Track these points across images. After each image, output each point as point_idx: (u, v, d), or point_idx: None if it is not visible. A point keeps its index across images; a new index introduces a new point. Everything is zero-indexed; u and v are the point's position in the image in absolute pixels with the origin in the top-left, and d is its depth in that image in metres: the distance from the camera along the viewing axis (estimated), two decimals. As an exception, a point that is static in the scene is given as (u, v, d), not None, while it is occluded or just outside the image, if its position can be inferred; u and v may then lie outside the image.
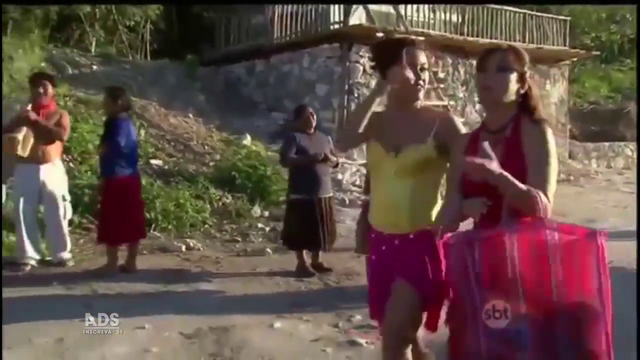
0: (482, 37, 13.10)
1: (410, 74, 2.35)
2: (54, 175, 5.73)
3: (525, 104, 2.18)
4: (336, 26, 11.96)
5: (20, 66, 8.61)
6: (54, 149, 5.74)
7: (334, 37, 11.61)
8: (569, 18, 15.55)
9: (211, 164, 9.29)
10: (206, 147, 9.82)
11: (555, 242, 1.93)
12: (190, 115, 10.49)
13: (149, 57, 14.27)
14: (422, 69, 2.42)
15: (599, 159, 15.46)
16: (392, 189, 2.41)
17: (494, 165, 1.98)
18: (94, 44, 13.73)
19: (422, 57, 2.43)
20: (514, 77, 2.16)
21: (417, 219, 2.39)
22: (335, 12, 12.32)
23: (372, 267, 2.58)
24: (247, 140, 10.42)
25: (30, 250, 5.65)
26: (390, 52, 2.42)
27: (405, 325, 2.37)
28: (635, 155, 15.82)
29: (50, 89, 5.74)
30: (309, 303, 4.88)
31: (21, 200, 5.57)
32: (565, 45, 14.87)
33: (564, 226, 1.97)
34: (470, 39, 12.63)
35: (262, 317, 4.42)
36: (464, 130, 2.46)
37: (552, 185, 2.07)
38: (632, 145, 15.94)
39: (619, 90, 19.04)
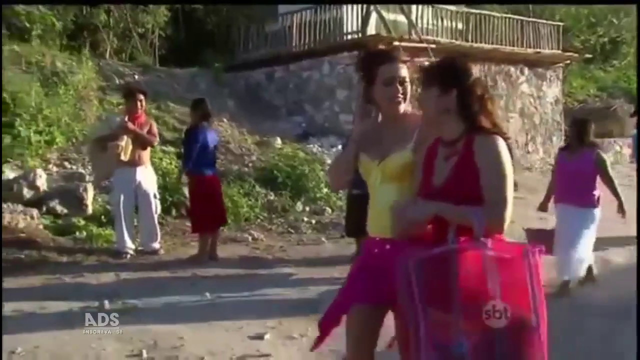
0: (486, 43, 14.14)
1: (386, 94, 2.43)
2: (147, 176, 6.64)
3: (470, 117, 2.17)
4: (354, 35, 12.88)
5: (78, 79, 9.45)
6: (146, 154, 6.65)
7: (353, 45, 12.55)
8: (561, 23, 16.67)
9: (250, 164, 10.19)
10: (243, 149, 10.71)
11: (492, 261, 1.99)
12: (225, 120, 11.37)
13: (157, 63, 15.12)
14: (402, 83, 2.44)
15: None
16: (380, 196, 2.46)
17: (426, 208, 2.13)
18: (108, 50, 14.50)
19: (402, 71, 2.44)
20: (432, 94, 2.20)
21: None
22: (350, 21, 13.27)
23: (358, 267, 2.56)
24: (278, 142, 11.34)
25: (129, 241, 6.55)
26: (370, 69, 2.46)
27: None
28: (623, 151, 17.01)
29: (144, 102, 6.65)
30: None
31: (122, 198, 6.45)
32: (559, 49, 15.97)
33: (499, 245, 2.04)
34: (476, 45, 13.65)
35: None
36: None
37: (508, 198, 2.08)
38: (621, 142, 17.11)
39: (604, 89, 20.31)
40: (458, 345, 1.98)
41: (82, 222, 7.05)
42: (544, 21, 16.27)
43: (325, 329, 2.50)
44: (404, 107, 2.47)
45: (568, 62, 16.65)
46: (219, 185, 6.80)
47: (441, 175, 2.19)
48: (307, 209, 9.21)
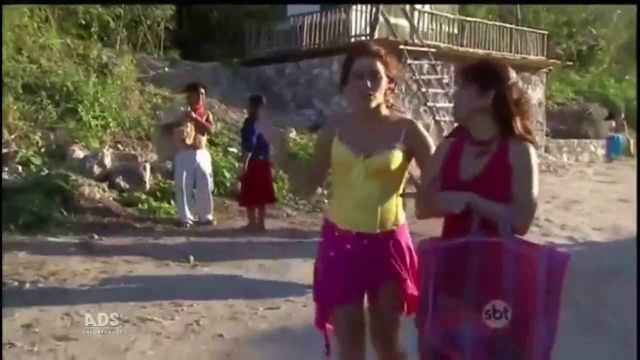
0: (479, 48, 15.48)
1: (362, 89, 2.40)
2: (204, 158, 7.80)
3: (505, 119, 2.20)
4: (362, 38, 14.09)
5: (122, 70, 10.55)
6: (204, 139, 7.81)
7: (361, 47, 13.74)
8: (546, 32, 18.12)
9: (272, 152, 11.36)
10: (264, 138, 11.86)
11: (512, 258, 2.02)
12: (245, 110, 12.50)
13: (161, 54, 15.62)
14: (373, 77, 2.40)
15: (569, 153, 18.06)
16: (361, 191, 2.45)
17: (463, 197, 2.12)
18: (118, 41, 15.43)
19: (374, 65, 2.41)
20: (470, 93, 2.21)
21: (385, 219, 2.48)
22: (357, 24, 14.46)
23: (330, 262, 2.52)
24: (293, 132, 12.53)
25: (188, 213, 7.70)
26: (345, 65, 2.48)
27: (398, 338, 2.51)
28: (598, 151, 18.61)
29: (203, 95, 7.80)
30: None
31: (184, 175, 7.60)
32: (543, 55, 17.41)
33: (523, 244, 2.08)
34: (471, 50, 14.97)
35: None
36: (428, 136, 2.55)
37: (536, 203, 2.16)
38: (595, 142, 18.68)
39: (581, 93, 21.89)
40: (461, 333, 2.05)
41: (143, 197, 8.17)
42: (531, 29, 17.70)
43: (322, 328, 2.57)
44: (376, 102, 2.44)
45: (551, 67, 18.09)
46: (270, 168, 7.96)
47: (470, 170, 2.22)
48: (326, 192, 10.41)
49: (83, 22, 11.20)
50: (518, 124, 2.19)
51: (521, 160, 2.16)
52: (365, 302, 2.56)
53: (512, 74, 2.24)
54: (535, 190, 2.16)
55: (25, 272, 5.29)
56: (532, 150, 2.19)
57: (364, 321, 2.52)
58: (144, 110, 10.50)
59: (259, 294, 5.05)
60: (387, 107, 2.54)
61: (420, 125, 2.57)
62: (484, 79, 2.20)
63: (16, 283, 4.99)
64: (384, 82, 2.44)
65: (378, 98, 2.44)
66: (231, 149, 10.82)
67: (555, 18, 22.05)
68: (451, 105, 13.88)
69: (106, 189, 7.94)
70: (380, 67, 2.42)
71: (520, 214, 2.11)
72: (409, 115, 12.19)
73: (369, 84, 2.40)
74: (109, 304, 4.60)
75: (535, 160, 2.19)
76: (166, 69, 12.58)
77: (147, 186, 8.44)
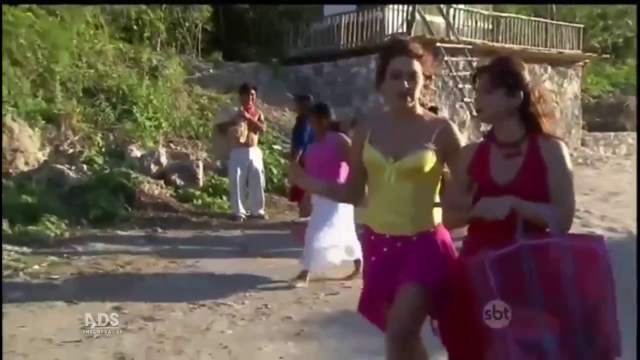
0: (514, 43, 15.63)
1: (398, 88, 2.39)
2: (257, 155, 8.23)
3: (532, 118, 2.21)
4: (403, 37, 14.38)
5: (173, 73, 11.07)
6: (256, 137, 8.23)
7: (398, 45, 14.03)
8: (582, 25, 18.15)
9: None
10: (305, 136, 12.27)
11: (567, 254, 2.03)
12: (287, 109, 12.93)
13: (199, 55, 15.80)
14: (411, 77, 2.38)
15: (606, 146, 18.08)
16: (393, 193, 2.43)
17: (507, 203, 2.09)
18: (158, 43, 15.93)
19: (412, 65, 2.38)
20: (499, 96, 2.20)
21: (419, 221, 2.44)
22: (393, 23, 14.75)
23: (371, 267, 2.58)
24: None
25: (241, 208, 8.13)
26: (382, 62, 2.44)
27: (411, 318, 2.39)
28: (635, 144, 18.56)
29: (254, 96, 8.22)
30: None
31: (238, 172, 8.03)
32: (579, 49, 17.46)
33: (575, 239, 2.11)
34: (507, 45, 15.14)
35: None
36: (461, 138, 2.52)
37: (574, 199, 2.18)
38: (633, 135, 18.64)
39: (617, 86, 21.80)
40: (544, 339, 2.00)
41: (197, 193, 8.64)
42: (566, 23, 17.76)
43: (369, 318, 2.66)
44: (412, 103, 2.43)
45: (587, 60, 18.11)
46: None
47: (503, 173, 2.20)
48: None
49: (135, 27, 11.71)
50: (544, 122, 2.21)
51: (555, 157, 2.17)
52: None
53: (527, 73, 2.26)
54: (572, 185, 2.18)
55: (103, 262, 5.77)
56: (564, 145, 2.21)
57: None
58: (192, 111, 10.99)
59: (316, 281, 5.43)
60: (422, 105, 2.54)
61: (454, 127, 2.54)
62: (511, 81, 2.20)
63: (100, 271, 5.47)
64: (421, 81, 2.42)
65: (415, 98, 2.43)
66: (275, 147, 11.24)
67: (589, 10, 22.00)
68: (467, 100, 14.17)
69: (163, 185, 8.42)
70: (418, 67, 2.39)
71: (563, 210, 2.13)
72: (445, 112, 12.50)
73: (406, 84, 2.38)
74: (182, 289, 5.05)
75: (568, 156, 2.20)
76: (210, 71, 13.07)
77: (201, 183, 8.89)
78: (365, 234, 2.61)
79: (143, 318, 4.38)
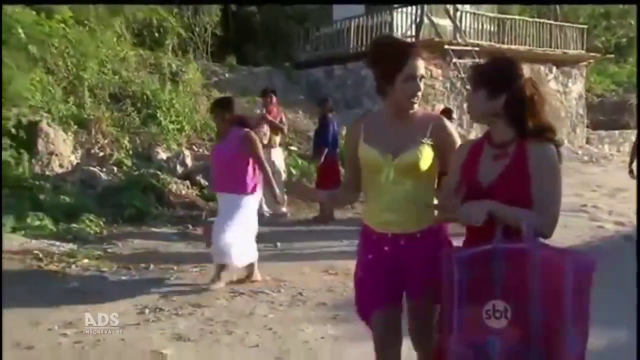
0: (520, 45, 16.02)
1: (409, 90, 2.38)
2: (278, 156, 8.64)
3: (518, 121, 2.14)
4: (408, 40, 14.77)
5: (192, 77, 11.51)
6: (278, 139, 8.64)
7: (407, 48, 14.44)
8: (585, 26, 18.54)
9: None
10: (319, 137, 12.68)
11: (538, 264, 1.97)
12: (300, 112, 13.34)
13: (210, 59, 16.00)
14: (421, 79, 2.41)
15: (610, 144, 18.45)
16: (392, 192, 2.43)
17: (486, 207, 2.06)
18: (170, 48, 16.32)
19: (422, 68, 2.40)
20: (481, 96, 2.17)
21: (421, 217, 2.42)
22: (401, 26, 15.14)
23: (369, 266, 2.53)
24: (344, 130, 13.30)
25: (265, 206, 8.52)
26: (392, 60, 2.38)
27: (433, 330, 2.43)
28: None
29: (274, 99, 8.63)
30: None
31: (261, 172, 8.42)
32: (583, 49, 17.84)
33: (548, 250, 2.02)
34: (512, 47, 15.54)
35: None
36: (455, 133, 2.52)
37: (559, 205, 2.10)
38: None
39: (620, 84, 22.16)
40: (491, 343, 1.98)
41: (221, 192, 9.04)
42: (570, 24, 18.16)
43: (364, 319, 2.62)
44: (417, 106, 2.46)
45: (591, 60, 18.50)
46: (338, 163, 8.65)
47: (489, 175, 2.18)
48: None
49: (157, 34, 12.14)
50: (531, 124, 2.13)
51: (540, 163, 2.10)
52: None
53: (523, 71, 2.19)
54: (558, 191, 2.11)
55: (144, 256, 6.19)
56: (553, 151, 2.12)
57: (399, 324, 2.54)
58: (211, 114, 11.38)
59: (343, 271, 5.81)
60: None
61: (448, 122, 2.55)
62: (493, 83, 2.15)
63: (143, 264, 5.88)
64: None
65: (418, 101, 2.45)
66: (292, 148, 11.65)
67: (592, 10, 22.41)
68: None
69: (189, 186, 8.83)
70: (424, 70, 2.43)
71: (543, 218, 2.07)
72: (454, 113, 12.80)
73: (419, 86, 2.40)
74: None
75: (556, 161, 2.12)
76: (226, 75, 13.49)
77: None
78: (365, 234, 2.56)
79: (191, 305, 4.78)
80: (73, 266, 5.70)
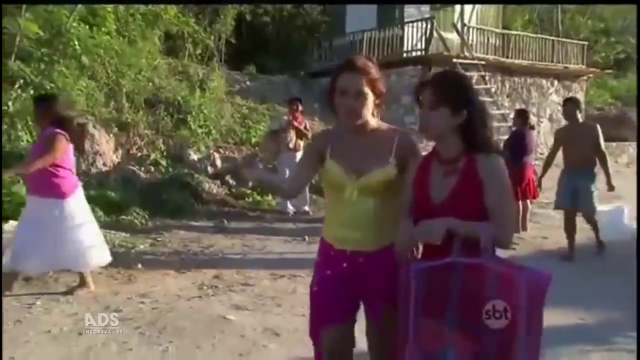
0: (523, 59, 16.86)
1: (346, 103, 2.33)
2: (302, 159, 9.42)
3: (472, 136, 2.16)
4: (417, 53, 15.60)
5: (217, 85, 12.35)
6: (302, 143, 9.43)
7: (417, 61, 15.28)
8: (586, 42, 19.40)
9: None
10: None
11: (494, 278, 1.99)
12: (316, 119, 14.13)
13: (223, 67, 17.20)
14: (358, 95, 2.32)
15: (608, 155, 19.18)
16: (355, 209, 2.40)
17: (442, 226, 2.07)
18: (186, 55, 17.03)
19: (358, 83, 2.31)
20: (444, 114, 2.14)
21: (381, 236, 2.40)
22: (411, 39, 15.96)
23: (325, 282, 2.47)
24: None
25: (289, 205, 9.32)
26: (332, 75, 2.39)
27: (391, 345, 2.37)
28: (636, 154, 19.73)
29: (300, 106, 9.43)
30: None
31: (287, 174, 9.20)
32: (583, 64, 18.69)
33: (504, 264, 2.05)
34: (516, 61, 16.37)
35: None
36: (418, 148, 2.46)
37: (513, 215, 2.17)
38: (634, 145, 19.83)
39: (619, 98, 22.98)
40: (445, 354, 2.00)
41: (248, 192, 9.84)
42: (571, 40, 19.02)
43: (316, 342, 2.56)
44: (361, 120, 2.37)
45: (590, 75, 19.34)
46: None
47: (441, 192, 2.18)
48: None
49: (187, 44, 12.98)
50: (482, 137, 2.17)
51: (492, 173, 2.13)
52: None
53: (472, 84, 2.26)
54: (512, 201, 2.17)
55: (191, 245, 6.98)
56: (502, 162, 2.16)
57: (351, 342, 2.52)
58: (234, 119, 12.22)
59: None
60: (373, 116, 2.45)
61: (412, 136, 2.50)
62: (454, 99, 2.15)
63: (191, 251, 6.67)
64: (370, 99, 2.36)
65: (364, 116, 2.36)
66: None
67: (593, 26, 23.28)
68: (498, 112, 15.35)
69: (220, 185, 9.63)
70: (364, 84, 2.33)
71: (500, 229, 2.09)
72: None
73: (353, 101, 2.33)
74: (261, 265, 6.23)
75: (506, 171, 2.16)
76: (247, 83, 14.31)
77: (250, 183, 10.09)
78: (323, 249, 2.53)
79: (240, 284, 5.55)
80: (132, 251, 6.49)
